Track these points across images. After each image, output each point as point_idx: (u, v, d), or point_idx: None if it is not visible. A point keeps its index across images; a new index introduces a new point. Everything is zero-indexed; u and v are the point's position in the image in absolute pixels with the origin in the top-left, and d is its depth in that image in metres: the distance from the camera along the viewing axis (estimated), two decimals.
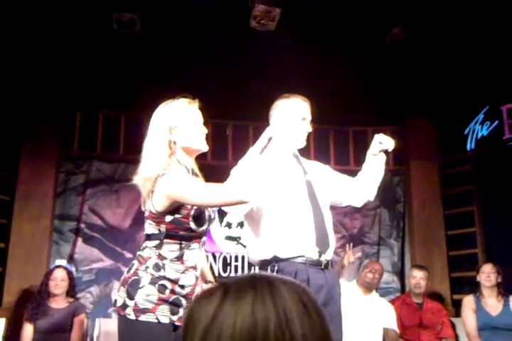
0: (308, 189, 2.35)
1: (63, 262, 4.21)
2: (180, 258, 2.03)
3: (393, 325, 4.14)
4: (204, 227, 2.09)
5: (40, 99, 4.69)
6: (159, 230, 2.03)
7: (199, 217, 2.05)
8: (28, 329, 3.85)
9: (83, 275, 4.63)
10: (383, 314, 4.13)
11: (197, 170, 2.18)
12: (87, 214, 4.78)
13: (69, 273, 4.10)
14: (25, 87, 4.58)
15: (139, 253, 2.08)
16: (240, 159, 2.21)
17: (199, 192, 1.96)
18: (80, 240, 4.70)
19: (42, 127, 4.69)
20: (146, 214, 2.07)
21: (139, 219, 4.82)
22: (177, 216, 2.01)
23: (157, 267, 2.00)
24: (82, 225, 4.74)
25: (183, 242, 2.03)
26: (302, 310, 0.77)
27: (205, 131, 2.15)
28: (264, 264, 2.25)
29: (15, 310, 4.23)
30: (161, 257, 2.02)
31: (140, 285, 1.97)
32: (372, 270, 4.21)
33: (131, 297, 1.97)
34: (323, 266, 2.24)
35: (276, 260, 2.20)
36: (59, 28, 4.23)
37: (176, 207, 2.00)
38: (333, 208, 2.54)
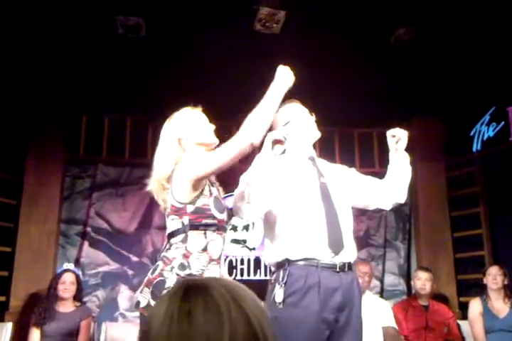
0: (322, 191, 2.32)
1: (71, 266, 4.22)
2: (205, 249, 2.09)
3: (391, 323, 4.10)
4: (224, 215, 2.17)
5: (46, 104, 4.71)
6: (182, 223, 2.10)
7: (218, 204, 2.15)
8: (35, 334, 3.85)
9: (89, 279, 4.64)
10: (380, 313, 4.07)
11: None
12: (93, 218, 4.79)
13: (77, 276, 4.11)
14: (30, 91, 4.60)
15: (163, 254, 2.11)
16: (244, 161, 2.22)
17: (213, 157, 2.08)
18: (86, 244, 4.71)
19: (48, 132, 4.71)
20: (168, 211, 2.15)
21: (145, 222, 4.85)
22: (198, 205, 2.10)
23: (182, 266, 2.03)
24: (89, 229, 4.75)
25: (207, 232, 2.10)
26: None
27: (213, 126, 2.30)
28: (278, 267, 2.24)
29: (21, 314, 4.24)
30: (186, 253, 2.05)
31: (166, 286, 1.99)
32: (360, 274, 4.00)
33: (156, 298, 1.98)
34: (338, 269, 2.19)
35: (288, 263, 2.18)
36: (64, 32, 4.25)
37: (195, 196, 2.09)
38: None
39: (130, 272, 4.71)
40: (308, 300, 2.10)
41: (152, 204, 4.82)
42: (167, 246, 2.12)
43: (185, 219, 2.09)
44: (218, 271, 2.12)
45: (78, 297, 4.06)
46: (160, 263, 2.08)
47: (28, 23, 4.13)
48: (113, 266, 4.73)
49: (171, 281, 2.00)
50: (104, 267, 4.72)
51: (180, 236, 2.09)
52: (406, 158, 2.51)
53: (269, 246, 2.34)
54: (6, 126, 4.51)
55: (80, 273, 4.41)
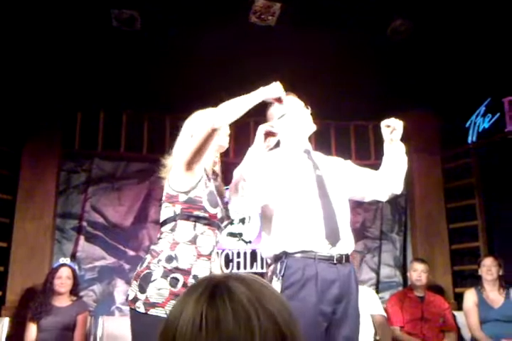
0: (318, 184, 2.32)
1: (67, 260, 4.21)
2: (193, 241, 2.09)
3: (379, 310, 4.11)
4: (217, 210, 2.17)
5: (42, 98, 4.69)
6: (174, 211, 2.12)
7: (212, 198, 2.16)
8: (31, 328, 3.86)
9: (86, 274, 4.64)
10: (367, 301, 4.07)
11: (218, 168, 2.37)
12: (89, 213, 4.78)
13: (73, 271, 4.11)
14: (26, 86, 4.57)
15: (152, 247, 2.14)
16: (241, 154, 2.22)
17: (189, 142, 2.16)
18: (82, 238, 4.71)
19: (43, 126, 4.69)
20: (163, 199, 2.19)
21: (141, 216, 4.85)
22: (191, 195, 2.12)
23: (170, 259, 2.05)
24: (84, 223, 4.74)
25: (196, 224, 2.11)
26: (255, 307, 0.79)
27: (228, 131, 2.31)
28: (275, 260, 2.24)
29: (18, 308, 4.24)
30: (173, 243, 2.07)
31: (152, 279, 2.01)
32: None
33: (143, 290, 2.00)
34: (335, 261, 2.20)
35: (285, 255, 2.19)
36: (59, 27, 4.22)
37: (191, 187, 2.12)
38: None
39: (126, 266, 4.71)
40: (305, 293, 2.10)
41: (148, 198, 4.83)
42: (158, 236, 2.16)
43: (177, 208, 2.12)
44: (209, 267, 2.12)
45: (74, 291, 4.06)
46: (148, 256, 2.11)
47: (22, 19, 4.10)
48: (109, 260, 4.73)
49: (157, 274, 2.02)
50: (101, 261, 4.71)
51: (170, 225, 2.12)
52: (401, 148, 2.48)
53: (266, 239, 2.34)
54: (3, 122, 4.50)
55: (76, 267, 4.40)
